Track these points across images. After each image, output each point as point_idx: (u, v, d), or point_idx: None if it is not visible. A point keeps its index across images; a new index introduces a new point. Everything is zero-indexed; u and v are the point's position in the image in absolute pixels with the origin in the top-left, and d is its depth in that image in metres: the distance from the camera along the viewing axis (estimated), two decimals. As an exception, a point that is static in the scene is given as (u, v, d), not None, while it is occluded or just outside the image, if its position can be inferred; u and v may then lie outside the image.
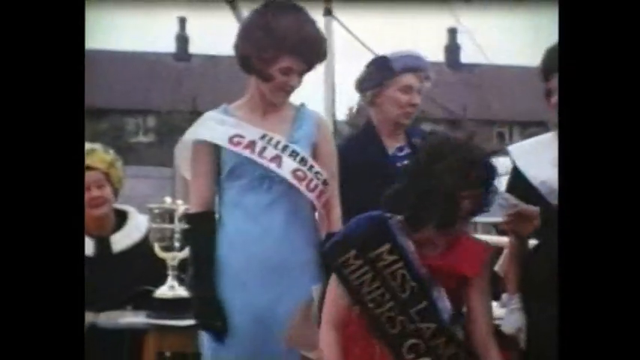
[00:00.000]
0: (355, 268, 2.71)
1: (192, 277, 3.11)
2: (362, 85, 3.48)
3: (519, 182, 3.10)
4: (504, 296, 4.46)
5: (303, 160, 2.99)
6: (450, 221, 2.68)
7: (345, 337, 2.78)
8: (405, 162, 3.15)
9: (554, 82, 2.97)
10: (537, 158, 3.05)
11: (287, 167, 2.97)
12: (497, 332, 3.20)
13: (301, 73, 3.04)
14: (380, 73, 3.45)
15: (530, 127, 31.75)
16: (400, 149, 3.55)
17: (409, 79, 3.45)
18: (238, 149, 2.98)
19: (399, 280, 2.70)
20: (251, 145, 2.98)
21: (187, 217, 3.21)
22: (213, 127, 3.05)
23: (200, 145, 3.07)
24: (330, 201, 3.07)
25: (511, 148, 3.21)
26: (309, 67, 3.04)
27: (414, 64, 3.49)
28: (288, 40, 2.93)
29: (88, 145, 3.77)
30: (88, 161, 3.71)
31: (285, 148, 2.99)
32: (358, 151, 3.52)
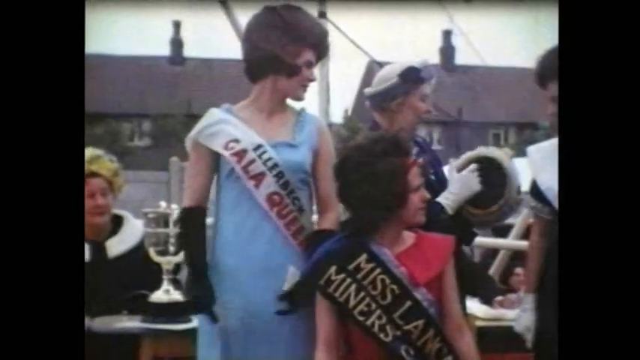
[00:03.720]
0: (338, 283, 2.74)
1: (188, 274, 3.12)
2: (389, 93, 3.49)
3: (537, 183, 3.15)
4: (514, 296, 4.48)
5: (285, 184, 3.00)
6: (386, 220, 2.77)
7: None
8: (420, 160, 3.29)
9: (552, 91, 2.97)
10: (550, 163, 3.06)
11: (264, 189, 2.99)
12: (509, 335, 3.26)
13: (314, 67, 3.13)
14: (410, 84, 3.47)
15: (525, 129, 31.79)
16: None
17: (427, 88, 3.50)
18: (227, 154, 3.00)
19: (380, 286, 2.73)
20: (241, 154, 3.00)
21: (180, 211, 3.20)
22: (215, 125, 3.06)
23: (200, 143, 3.08)
24: (327, 203, 3.09)
25: (530, 149, 3.26)
26: (318, 61, 3.15)
27: (431, 74, 3.54)
28: (310, 34, 3.06)
29: (92, 151, 3.78)
30: (94, 167, 3.73)
31: (273, 166, 3.00)
32: None
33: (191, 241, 3.08)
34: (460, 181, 3.31)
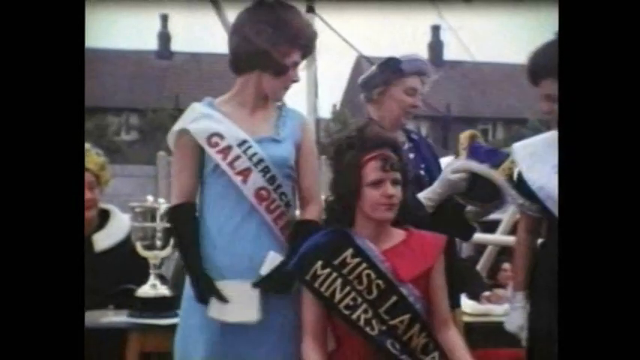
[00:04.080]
0: (324, 277, 2.76)
1: (182, 266, 3.11)
2: (369, 82, 3.52)
3: (524, 181, 3.11)
4: (501, 291, 4.49)
5: (272, 179, 3.00)
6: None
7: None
8: (411, 155, 3.34)
9: (545, 89, 2.96)
10: (540, 160, 3.04)
11: (252, 184, 2.98)
12: (500, 330, 3.26)
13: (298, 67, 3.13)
14: (389, 74, 3.48)
15: (513, 124, 31.85)
16: (402, 144, 3.59)
17: (414, 82, 3.49)
18: (212, 152, 2.99)
19: (366, 281, 2.74)
20: (226, 150, 2.99)
21: (169, 210, 3.19)
22: (198, 120, 3.05)
23: (184, 138, 3.06)
24: (309, 197, 3.09)
25: (515, 146, 3.22)
26: (302, 60, 3.13)
27: (420, 69, 3.53)
28: (301, 35, 3.05)
29: None
30: None
31: (259, 162, 2.99)
32: None
33: (183, 237, 3.06)
34: (447, 184, 3.27)
